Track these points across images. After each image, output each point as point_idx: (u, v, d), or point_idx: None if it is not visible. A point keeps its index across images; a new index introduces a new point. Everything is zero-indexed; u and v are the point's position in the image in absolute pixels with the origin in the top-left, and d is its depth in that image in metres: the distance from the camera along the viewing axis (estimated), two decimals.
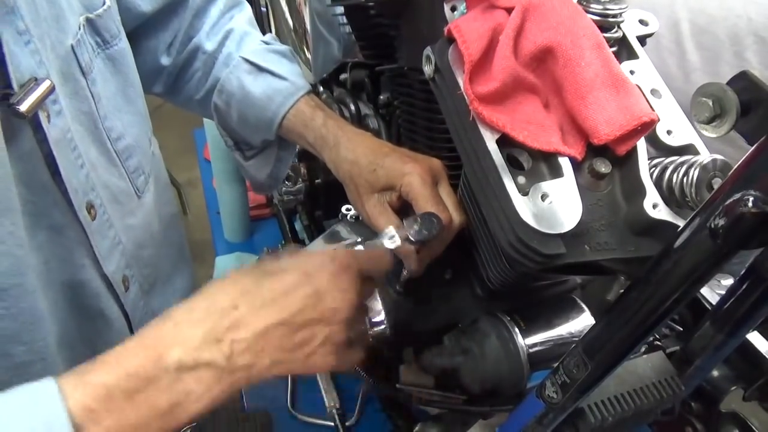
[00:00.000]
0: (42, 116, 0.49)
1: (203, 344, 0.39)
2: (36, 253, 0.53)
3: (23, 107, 0.46)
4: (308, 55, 1.04)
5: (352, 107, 0.83)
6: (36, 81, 0.48)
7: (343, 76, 0.87)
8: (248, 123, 0.73)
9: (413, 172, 0.56)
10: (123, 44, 0.63)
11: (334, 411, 0.81)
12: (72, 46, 0.54)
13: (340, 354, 0.45)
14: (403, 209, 0.58)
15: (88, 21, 0.57)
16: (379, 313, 0.58)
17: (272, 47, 0.74)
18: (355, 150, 0.62)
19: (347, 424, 0.81)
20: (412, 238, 0.51)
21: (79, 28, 0.56)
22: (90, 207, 0.57)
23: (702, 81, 0.44)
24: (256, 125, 0.72)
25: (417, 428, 0.65)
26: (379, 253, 0.51)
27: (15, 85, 0.46)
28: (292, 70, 0.72)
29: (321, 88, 0.94)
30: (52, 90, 0.49)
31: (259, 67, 0.71)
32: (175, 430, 0.38)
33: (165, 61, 0.74)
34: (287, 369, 0.42)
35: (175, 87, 0.78)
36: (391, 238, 0.52)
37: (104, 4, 0.60)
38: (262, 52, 0.73)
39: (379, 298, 0.59)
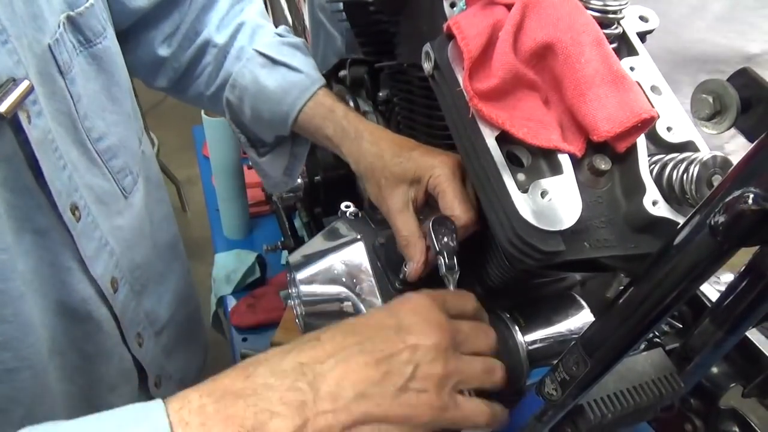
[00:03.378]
0: (22, 117, 0.48)
1: (288, 368, 0.39)
2: (23, 258, 0.52)
3: (2, 108, 0.45)
4: None
5: (351, 104, 0.83)
6: (14, 81, 0.47)
7: (342, 73, 0.87)
8: (262, 118, 0.71)
9: (443, 165, 0.54)
10: (108, 42, 0.62)
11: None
12: (49, 46, 0.53)
13: (443, 395, 0.41)
14: (424, 207, 0.58)
15: (69, 19, 0.56)
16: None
17: (286, 40, 0.72)
18: (378, 143, 0.60)
19: None
20: (447, 251, 0.50)
21: (59, 27, 0.55)
22: (74, 208, 0.56)
23: None
24: (270, 120, 0.71)
25: None
26: (465, 292, 0.50)
27: None
28: (307, 62, 0.70)
29: None
30: (31, 90, 0.48)
31: (274, 60, 0.69)
32: None
33: (163, 51, 0.73)
34: (378, 407, 0.39)
35: (184, 82, 0.76)
36: (449, 270, 0.51)
37: (87, 1, 0.59)
38: (276, 44, 0.71)
39: (378, 295, 0.59)
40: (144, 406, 0.37)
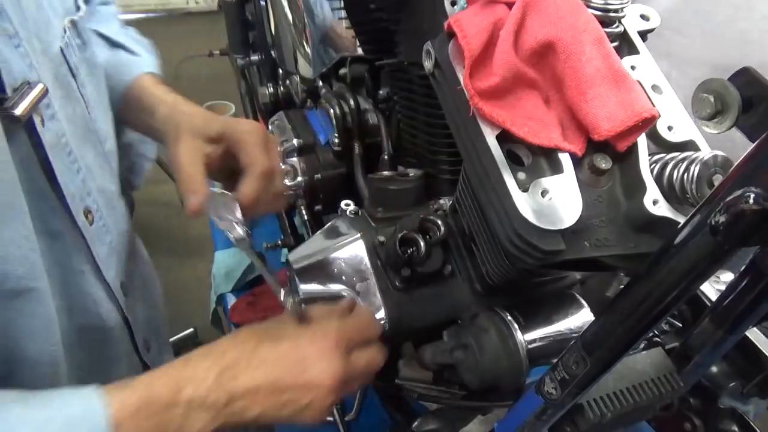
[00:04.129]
0: (36, 120, 0.49)
1: (211, 388, 0.46)
2: (41, 260, 0.52)
3: (18, 111, 0.46)
4: (308, 50, 1.03)
5: (352, 102, 0.83)
6: (29, 85, 0.47)
7: (342, 71, 0.87)
8: None
9: (249, 125, 0.60)
10: (94, 47, 0.64)
11: (334, 406, 0.81)
12: (61, 49, 0.54)
13: (326, 412, 0.51)
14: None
15: (72, 23, 0.57)
16: (378, 308, 0.58)
17: (131, 32, 0.74)
18: (192, 108, 0.64)
19: (346, 419, 0.81)
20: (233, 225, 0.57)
21: (65, 31, 0.55)
22: (87, 212, 0.56)
23: None
24: None
25: (416, 423, 0.65)
26: (368, 322, 0.56)
27: (8, 89, 0.46)
28: (147, 54, 0.72)
29: (320, 83, 0.93)
30: (45, 93, 0.48)
31: (113, 42, 0.71)
32: None
33: None
34: (276, 419, 0.49)
35: None
36: (237, 239, 0.57)
37: (79, 9, 0.60)
38: (120, 32, 0.73)
39: (378, 293, 0.59)
40: (81, 401, 0.42)
